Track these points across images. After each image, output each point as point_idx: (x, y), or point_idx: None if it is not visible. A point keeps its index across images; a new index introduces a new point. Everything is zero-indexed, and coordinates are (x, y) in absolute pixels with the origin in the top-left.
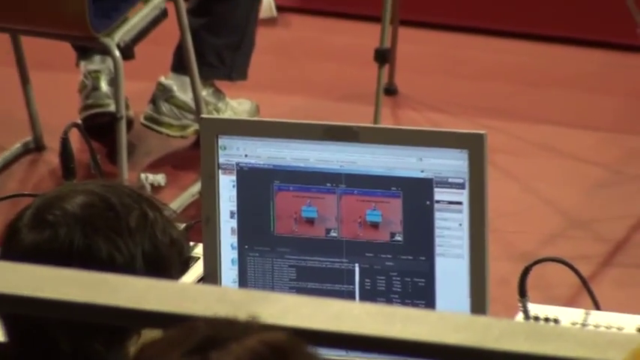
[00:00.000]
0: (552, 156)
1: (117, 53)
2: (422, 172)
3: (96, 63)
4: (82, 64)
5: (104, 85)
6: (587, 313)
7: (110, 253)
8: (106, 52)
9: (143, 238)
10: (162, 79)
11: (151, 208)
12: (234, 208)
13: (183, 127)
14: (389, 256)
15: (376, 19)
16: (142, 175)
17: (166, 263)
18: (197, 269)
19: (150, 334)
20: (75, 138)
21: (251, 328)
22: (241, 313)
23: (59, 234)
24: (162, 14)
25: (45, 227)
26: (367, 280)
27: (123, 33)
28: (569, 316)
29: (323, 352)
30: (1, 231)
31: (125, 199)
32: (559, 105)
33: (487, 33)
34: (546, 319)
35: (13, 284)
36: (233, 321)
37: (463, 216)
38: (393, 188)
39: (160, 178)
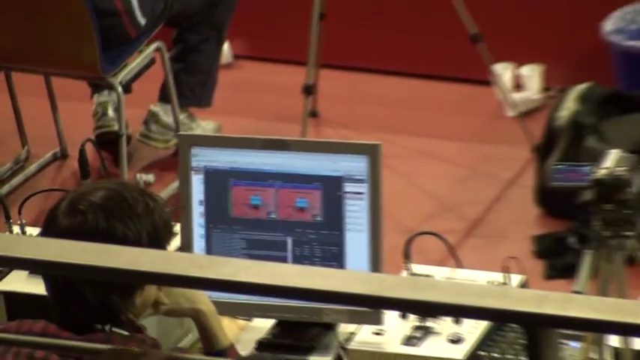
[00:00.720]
0: (428, 159)
1: (119, 89)
2: (335, 171)
3: (104, 96)
4: (95, 96)
5: (110, 112)
6: (453, 271)
7: (124, 233)
8: (112, 88)
9: (147, 221)
10: (152, 107)
11: (151, 199)
12: (203, 198)
13: (167, 141)
14: (312, 231)
15: (304, 63)
16: (137, 175)
17: (162, 239)
18: (176, 241)
19: (150, 289)
20: (90, 149)
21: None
22: (207, 273)
23: (88, 219)
24: (152, 61)
25: (77, 214)
26: (297, 249)
27: (124, 74)
28: (440, 273)
29: (265, 300)
30: (36, 215)
31: (133, 193)
32: (432, 123)
33: (383, 73)
34: (424, 275)
35: (52, 254)
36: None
37: (364, 202)
38: (315, 183)
39: (150, 177)
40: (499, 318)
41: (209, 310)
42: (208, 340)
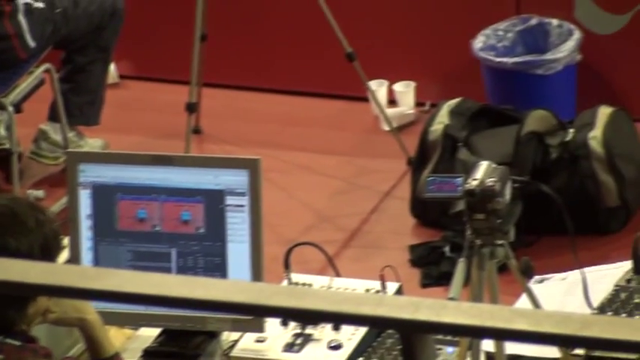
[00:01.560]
0: (307, 173)
1: (10, 109)
2: (217, 185)
3: None
4: None
5: (2, 131)
6: (331, 280)
7: (17, 246)
8: (3, 108)
9: (38, 234)
10: (42, 126)
11: (41, 213)
12: (90, 212)
13: (56, 158)
14: (195, 242)
15: (187, 82)
16: (29, 191)
17: (53, 251)
18: (64, 254)
19: (42, 299)
20: None
21: None
22: (95, 284)
23: None
24: (41, 82)
25: None
26: (181, 260)
27: (14, 95)
28: (319, 282)
29: (150, 310)
30: None
31: (24, 208)
32: (311, 138)
33: (263, 90)
34: (303, 284)
35: None
36: None
37: (245, 215)
38: (198, 197)
39: (40, 193)
40: (376, 324)
41: (94, 320)
42: (94, 348)
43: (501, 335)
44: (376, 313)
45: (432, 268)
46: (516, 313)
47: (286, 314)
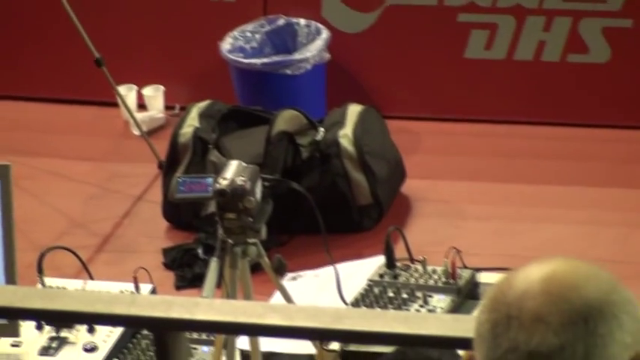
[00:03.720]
0: (59, 179)
1: None
2: None
3: None
4: None
5: None
6: (85, 283)
7: None
8: None
9: None
10: None
11: None
12: None
13: None
14: None
15: None
16: None
17: None
18: None
19: None
20: None
21: None
22: None
23: None
24: None
25: None
26: None
27: None
28: (73, 285)
29: None
30: None
31: None
32: (62, 144)
33: (11, 98)
34: (57, 287)
35: None
36: None
37: None
38: None
39: None
40: (129, 324)
41: None
42: None
43: (254, 331)
44: (129, 313)
45: (185, 271)
46: (269, 308)
47: (40, 316)
